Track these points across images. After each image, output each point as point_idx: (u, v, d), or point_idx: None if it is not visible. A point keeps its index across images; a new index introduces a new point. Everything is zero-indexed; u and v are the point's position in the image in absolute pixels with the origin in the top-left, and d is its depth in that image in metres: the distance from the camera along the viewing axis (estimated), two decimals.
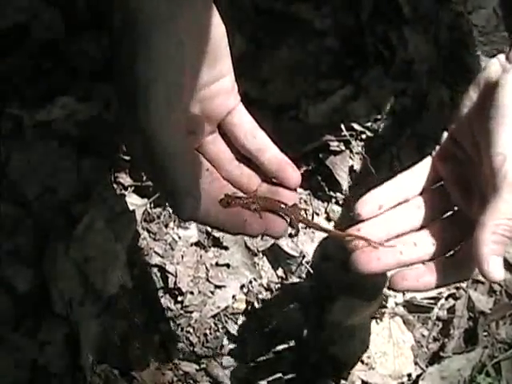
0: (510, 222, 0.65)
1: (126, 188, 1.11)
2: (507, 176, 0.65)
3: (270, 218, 0.74)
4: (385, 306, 1.09)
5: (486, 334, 1.10)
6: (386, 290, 1.09)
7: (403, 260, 0.75)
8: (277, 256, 1.10)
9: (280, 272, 1.10)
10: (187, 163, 0.60)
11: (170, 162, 0.59)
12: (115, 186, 1.09)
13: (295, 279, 1.09)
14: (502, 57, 0.73)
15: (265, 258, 1.10)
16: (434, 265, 0.74)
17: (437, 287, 0.74)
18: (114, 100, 1.00)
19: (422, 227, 0.78)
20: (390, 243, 0.76)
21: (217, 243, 1.11)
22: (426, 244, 0.76)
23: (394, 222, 0.77)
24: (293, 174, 0.74)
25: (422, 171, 0.80)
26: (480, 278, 1.13)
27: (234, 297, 1.09)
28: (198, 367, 1.08)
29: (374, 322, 1.09)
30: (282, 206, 0.74)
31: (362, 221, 0.77)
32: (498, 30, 1.21)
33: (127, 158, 1.07)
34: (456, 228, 0.76)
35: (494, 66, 0.72)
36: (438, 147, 0.79)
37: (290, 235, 1.06)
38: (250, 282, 1.09)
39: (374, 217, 0.77)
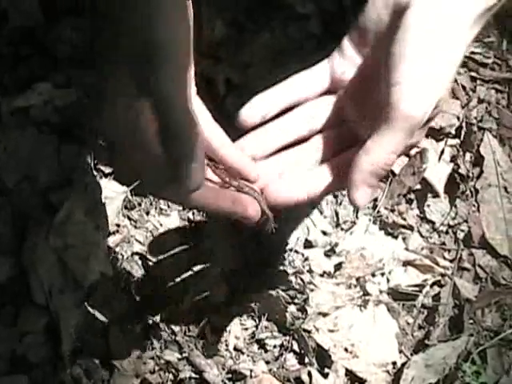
0: (392, 156, 0.64)
1: (106, 175, 1.09)
2: (400, 107, 0.62)
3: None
4: (369, 294, 1.06)
5: (471, 321, 1.07)
6: (369, 278, 1.07)
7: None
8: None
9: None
10: (197, 128, 0.59)
11: (184, 126, 0.58)
12: (95, 173, 1.08)
13: (276, 269, 1.08)
14: None
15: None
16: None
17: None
18: (96, 84, 0.98)
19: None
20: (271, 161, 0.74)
21: (199, 230, 1.10)
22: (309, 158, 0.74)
23: (278, 133, 0.74)
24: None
25: (320, 73, 0.75)
26: (466, 265, 1.12)
27: (216, 284, 1.08)
28: (180, 356, 1.06)
29: (357, 309, 1.07)
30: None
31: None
32: None
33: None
34: (343, 140, 0.74)
35: None
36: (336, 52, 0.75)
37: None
38: (233, 270, 1.07)
39: (259, 127, 0.74)
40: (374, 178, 0.65)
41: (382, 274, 1.07)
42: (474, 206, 1.12)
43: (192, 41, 0.58)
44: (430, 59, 0.62)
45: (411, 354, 1.08)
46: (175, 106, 0.56)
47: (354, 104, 0.73)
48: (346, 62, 0.74)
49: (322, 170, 0.72)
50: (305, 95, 0.75)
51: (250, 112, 0.73)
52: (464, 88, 1.18)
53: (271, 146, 0.75)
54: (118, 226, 1.09)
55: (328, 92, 0.75)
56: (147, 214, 1.10)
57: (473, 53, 1.19)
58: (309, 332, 1.03)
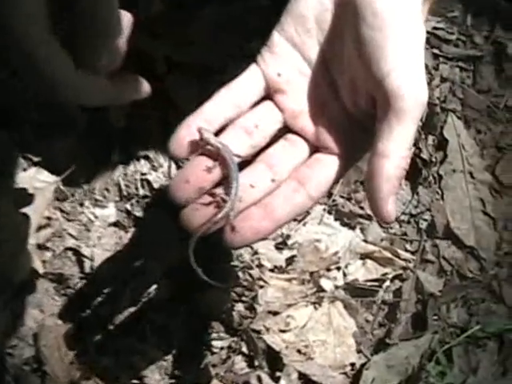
0: (410, 151, 0.59)
1: (35, 164, 1.02)
2: (408, 97, 0.57)
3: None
4: (323, 290, 1.01)
5: (435, 317, 1.04)
6: (324, 273, 1.02)
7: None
8: None
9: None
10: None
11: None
12: (23, 161, 1.01)
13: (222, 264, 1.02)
14: None
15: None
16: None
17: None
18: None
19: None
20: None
21: (138, 223, 1.03)
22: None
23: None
24: None
25: (251, 81, 0.68)
26: (429, 257, 1.08)
27: (157, 282, 1.01)
28: (117, 360, 0.99)
29: (311, 307, 1.01)
30: None
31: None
32: None
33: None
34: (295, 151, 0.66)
35: None
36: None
37: None
38: (175, 266, 1.00)
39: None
40: (399, 182, 0.59)
41: (338, 269, 1.03)
42: (437, 193, 1.09)
43: None
44: (407, 39, 0.59)
45: (371, 354, 1.03)
46: None
47: (312, 113, 0.67)
48: (279, 61, 0.67)
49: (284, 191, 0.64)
50: (238, 110, 0.66)
51: (179, 145, 0.63)
52: (426, 66, 1.07)
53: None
54: (49, 218, 1.02)
55: (264, 98, 0.68)
56: (81, 205, 1.03)
57: (435, 28, 1.14)
58: (258, 332, 0.98)
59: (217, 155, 0.63)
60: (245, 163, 0.64)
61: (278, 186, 0.64)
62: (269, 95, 0.67)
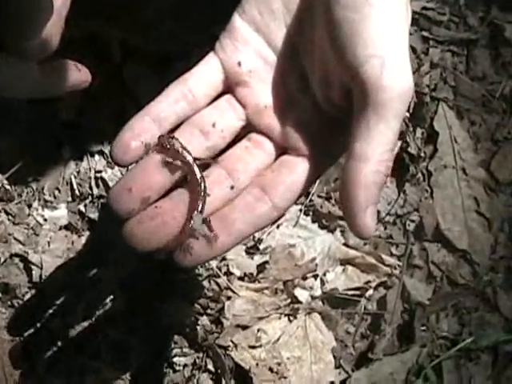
0: (392, 152, 0.54)
1: None
2: (390, 88, 0.52)
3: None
4: (298, 301, 0.97)
5: (424, 329, 1.02)
6: (300, 282, 0.99)
7: None
8: None
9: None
10: None
11: None
12: None
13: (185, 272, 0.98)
14: None
15: None
16: None
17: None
18: None
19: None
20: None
21: (92, 226, 0.98)
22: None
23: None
24: None
25: (209, 72, 0.62)
26: (417, 262, 1.06)
27: (112, 293, 0.96)
28: (69, 381, 0.95)
29: (285, 320, 0.97)
30: None
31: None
32: None
33: None
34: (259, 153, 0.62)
35: None
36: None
37: None
38: (133, 275, 0.97)
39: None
40: (379, 189, 0.54)
41: (315, 277, 1.00)
42: (426, 191, 1.06)
43: None
44: (389, 20, 0.54)
45: (352, 370, 1.01)
46: None
47: (278, 109, 0.62)
48: (240, 48, 0.62)
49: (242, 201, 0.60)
50: (194, 106, 0.61)
51: (122, 151, 0.58)
52: (414, 50, 1.09)
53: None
54: None
55: (224, 92, 0.63)
56: (29, 207, 0.99)
57: (425, 8, 1.11)
58: (225, 348, 0.95)
59: (172, 161, 0.58)
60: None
61: (238, 194, 0.59)
62: (229, 88, 0.62)
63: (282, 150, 0.61)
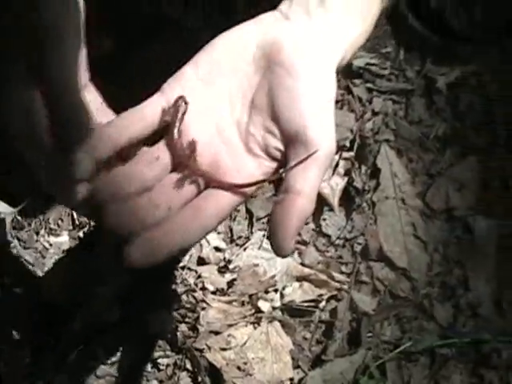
0: (317, 192, 0.61)
1: None
2: (322, 148, 0.61)
3: None
4: (261, 311, 1.06)
5: (370, 335, 1.07)
6: (262, 295, 1.08)
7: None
8: None
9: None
10: (88, 114, 0.59)
11: (76, 109, 0.58)
12: None
13: (172, 285, 1.07)
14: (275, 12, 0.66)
15: None
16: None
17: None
18: None
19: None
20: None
21: (89, 250, 1.08)
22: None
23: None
24: None
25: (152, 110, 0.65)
26: (363, 278, 1.12)
27: (108, 305, 1.06)
28: (69, 377, 1.04)
29: (251, 327, 1.06)
30: None
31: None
32: (380, 24, 1.18)
33: None
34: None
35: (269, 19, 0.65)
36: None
37: None
38: (125, 291, 1.06)
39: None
40: (305, 220, 0.61)
41: (276, 291, 1.07)
42: (371, 218, 1.12)
43: (83, 23, 0.58)
44: (320, 98, 0.63)
45: (309, 370, 1.07)
46: (67, 89, 0.55)
47: (209, 154, 0.65)
48: (186, 92, 0.66)
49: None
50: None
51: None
52: (360, 100, 1.18)
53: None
54: (7, 246, 1.08)
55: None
56: (37, 234, 1.09)
57: (369, 64, 1.19)
58: (201, 351, 1.03)
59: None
60: None
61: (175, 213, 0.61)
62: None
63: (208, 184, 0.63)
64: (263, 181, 0.64)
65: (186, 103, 0.64)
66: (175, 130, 0.64)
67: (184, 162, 0.64)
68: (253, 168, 0.64)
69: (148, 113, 0.64)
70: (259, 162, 0.64)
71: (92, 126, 0.58)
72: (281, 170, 0.64)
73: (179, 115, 0.64)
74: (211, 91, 0.66)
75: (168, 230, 0.59)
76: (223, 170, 0.64)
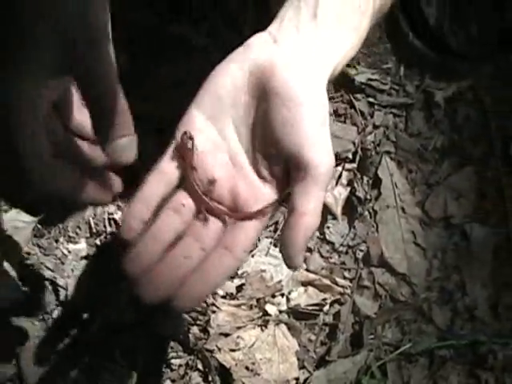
0: (321, 209, 0.65)
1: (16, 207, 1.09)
2: (321, 166, 0.65)
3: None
4: (268, 314, 1.09)
5: (371, 337, 1.09)
6: (269, 299, 1.11)
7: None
8: None
9: None
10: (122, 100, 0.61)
11: (112, 98, 0.59)
12: (2, 203, 1.08)
13: None
14: (264, 34, 0.68)
15: None
16: None
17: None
18: None
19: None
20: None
21: (106, 255, 1.12)
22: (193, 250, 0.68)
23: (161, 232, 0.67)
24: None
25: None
26: (365, 283, 1.15)
27: (123, 309, 1.07)
28: (87, 376, 1.08)
29: (258, 329, 1.09)
30: None
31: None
32: (382, 41, 1.24)
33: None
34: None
35: (258, 41, 0.67)
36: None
37: None
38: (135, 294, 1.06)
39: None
40: (311, 235, 0.65)
41: (282, 295, 1.09)
42: (372, 226, 1.14)
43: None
44: (316, 119, 0.65)
45: (313, 370, 1.08)
46: (107, 80, 0.57)
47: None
48: (196, 135, 0.70)
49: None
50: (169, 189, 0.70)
51: (128, 229, 0.68)
52: (362, 113, 1.21)
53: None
54: (29, 254, 1.11)
55: None
56: (56, 241, 1.10)
57: (370, 79, 1.22)
58: (211, 352, 1.05)
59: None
60: None
61: (208, 253, 0.66)
62: None
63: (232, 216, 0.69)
64: (277, 201, 0.69)
65: (191, 138, 0.68)
66: (193, 175, 0.69)
67: (207, 201, 0.68)
68: (267, 192, 0.69)
69: (167, 169, 0.69)
70: (271, 186, 0.69)
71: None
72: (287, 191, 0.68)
73: (189, 153, 0.68)
74: (218, 127, 0.69)
75: (205, 272, 0.65)
76: (243, 199, 0.69)
